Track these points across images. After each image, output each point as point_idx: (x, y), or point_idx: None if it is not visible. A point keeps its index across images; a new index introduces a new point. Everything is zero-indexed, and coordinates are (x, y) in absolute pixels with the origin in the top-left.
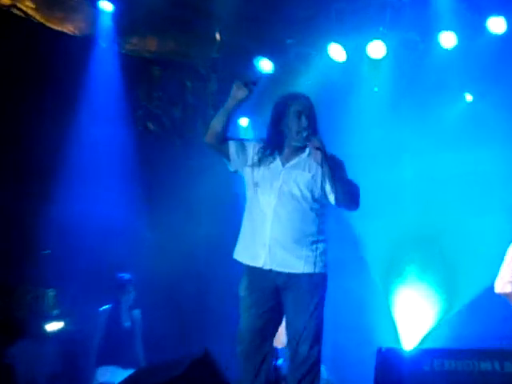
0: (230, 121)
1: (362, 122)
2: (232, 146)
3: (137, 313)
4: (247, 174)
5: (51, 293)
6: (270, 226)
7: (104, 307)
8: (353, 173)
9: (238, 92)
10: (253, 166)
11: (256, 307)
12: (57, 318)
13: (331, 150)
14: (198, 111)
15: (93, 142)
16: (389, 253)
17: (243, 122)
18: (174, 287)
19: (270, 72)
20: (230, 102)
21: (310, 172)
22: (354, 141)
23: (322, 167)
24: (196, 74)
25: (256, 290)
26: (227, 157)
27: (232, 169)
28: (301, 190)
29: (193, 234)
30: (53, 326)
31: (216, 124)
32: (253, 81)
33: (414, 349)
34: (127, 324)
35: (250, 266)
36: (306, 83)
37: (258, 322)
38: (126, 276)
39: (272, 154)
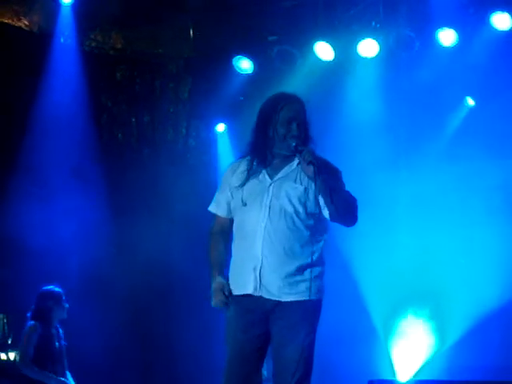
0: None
1: (352, 129)
2: (229, 210)
3: (61, 332)
4: (235, 198)
5: (3, 319)
6: (260, 248)
7: (31, 323)
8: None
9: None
10: (239, 187)
11: (244, 332)
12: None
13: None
14: (169, 116)
15: (51, 151)
16: (383, 279)
17: (219, 127)
18: (140, 312)
19: (249, 72)
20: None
21: (302, 184)
22: (343, 149)
23: (315, 182)
24: (167, 75)
25: (245, 312)
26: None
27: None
28: (293, 205)
29: (163, 250)
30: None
31: None
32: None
33: (409, 381)
34: (56, 343)
35: (239, 296)
36: (289, 85)
37: (246, 349)
38: (56, 288)
39: (258, 165)
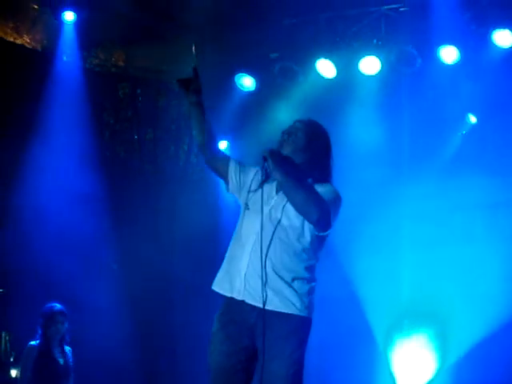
0: (203, 124)
1: (354, 147)
2: (231, 166)
3: (68, 350)
4: (242, 197)
5: (6, 336)
6: (248, 254)
7: (32, 342)
8: (344, 203)
9: (189, 101)
10: (249, 191)
11: (229, 344)
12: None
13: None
14: (171, 134)
15: (54, 169)
16: (385, 294)
17: (222, 144)
18: (141, 333)
19: (252, 89)
20: (188, 104)
21: None
22: (345, 167)
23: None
24: (169, 92)
25: (229, 323)
26: (225, 176)
27: (229, 190)
28: (289, 219)
29: (165, 266)
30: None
31: (195, 134)
32: (189, 77)
33: None
34: (61, 360)
35: (227, 297)
36: (291, 102)
37: (232, 361)
38: (56, 307)
39: (269, 178)
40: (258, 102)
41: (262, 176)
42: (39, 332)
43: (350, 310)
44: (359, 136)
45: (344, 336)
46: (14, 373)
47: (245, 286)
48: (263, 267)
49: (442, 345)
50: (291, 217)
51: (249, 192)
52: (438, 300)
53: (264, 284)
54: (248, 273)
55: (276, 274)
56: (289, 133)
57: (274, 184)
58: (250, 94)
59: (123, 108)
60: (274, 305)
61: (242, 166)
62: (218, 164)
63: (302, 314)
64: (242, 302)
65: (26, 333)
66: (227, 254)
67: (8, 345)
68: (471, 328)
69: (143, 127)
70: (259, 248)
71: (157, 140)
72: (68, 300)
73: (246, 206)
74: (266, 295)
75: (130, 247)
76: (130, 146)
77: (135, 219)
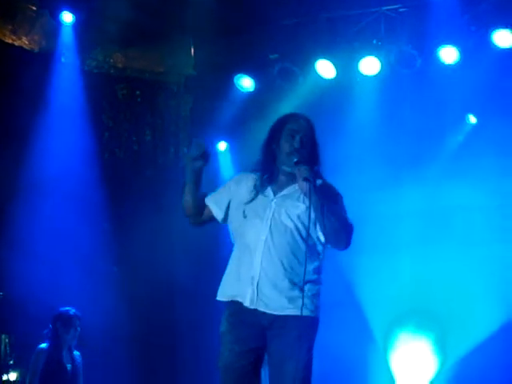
0: (198, 193)
1: (354, 147)
2: (212, 207)
3: (77, 355)
4: (237, 211)
5: (5, 339)
6: (259, 260)
7: (42, 345)
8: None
9: (193, 164)
10: (246, 202)
11: (240, 344)
12: (13, 368)
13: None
14: (170, 135)
15: (53, 171)
16: (384, 296)
17: (221, 146)
18: (141, 336)
19: (251, 90)
20: (189, 177)
21: (304, 203)
22: (345, 167)
23: (310, 199)
24: (168, 93)
25: (239, 324)
26: (213, 218)
27: (224, 222)
28: (293, 221)
29: (165, 272)
30: (10, 377)
31: (187, 203)
32: (205, 151)
33: None
34: (68, 365)
35: (234, 301)
36: (290, 103)
37: (242, 362)
38: (71, 311)
39: (264, 181)
40: (257, 103)
41: (258, 184)
42: (50, 335)
43: (349, 309)
44: (359, 137)
45: (344, 336)
46: (13, 376)
47: (257, 294)
48: (275, 274)
49: (442, 345)
50: (295, 219)
51: (246, 203)
52: (438, 300)
53: (277, 291)
54: (261, 281)
55: (289, 280)
56: (302, 135)
57: (270, 188)
58: (250, 94)
59: (122, 109)
60: (289, 310)
61: (220, 194)
62: (203, 218)
63: (313, 314)
64: (255, 309)
65: (26, 336)
66: (233, 264)
67: (8, 347)
68: (472, 329)
69: (142, 129)
70: (269, 255)
71: (156, 142)
72: (68, 303)
73: (244, 215)
74: (279, 302)
75: (129, 250)
76: (129, 148)
77: (135, 221)
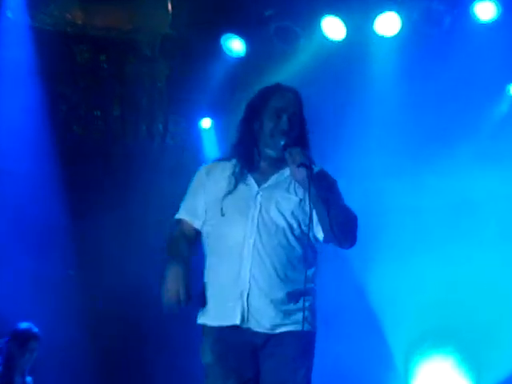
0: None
1: (366, 125)
2: (188, 218)
3: (29, 380)
4: (213, 207)
5: None
6: (248, 268)
7: None
8: (350, 196)
9: None
10: (219, 194)
11: (234, 378)
12: None
13: (321, 163)
14: (142, 109)
15: None
16: (404, 310)
17: (205, 123)
18: (104, 355)
19: (241, 55)
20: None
21: (296, 195)
22: (354, 150)
23: (309, 189)
24: (140, 57)
25: (228, 351)
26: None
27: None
28: (285, 219)
29: (135, 272)
30: None
31: None
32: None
33: None
34: None
35: (219, 326)
36: (289, 71)
37: None
38: (31, 330)
39: (243, 169)
40: (248, 70)
41: (237, 172)
42: (3, 355)
43: (365, 325)
44: (373, 112)
45: (358, 356)
46: None
47: (249, 310)
48: (268, 283)
49: (469, 368)
50: (288, 215)
51: (223, 198)
52: (464, 317)
53: (271, 304)
54: (252, 294)
55: (285, 290)
56: (290, 114)
57: (251, 177)
58: (240, 60)
59: (82, 77)
60: (284, 327)
61: (192, 197)
62: (194, 241)
63: (313, 329)
64: (247, 329)
65: None
66: (211, 276)
67: None
68: (503, 350)
69: (108, 101)
70: (260, 261)
71: (125, 117)
72: (12, 314)
73: (221, 213)
74: (275, 318)
75: (91, 248)
76: (92, 125)
77: (98, 214)
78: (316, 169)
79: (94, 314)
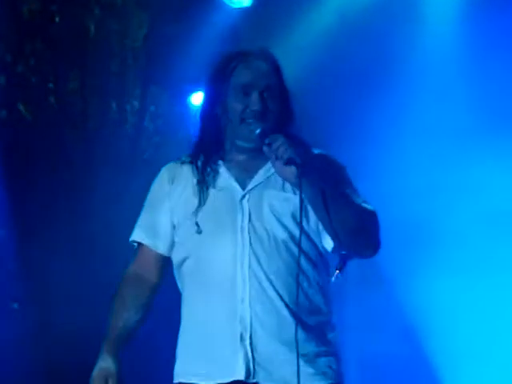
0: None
1: (404, 104)
2: (147, 241)
3: None
4: (184, 222)
5: None
6: (247, 303)
7: None
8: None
9: None
10: (197, 209)
11: None
12: None
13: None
14: (110, 80)
15: None
16: (460, 345)
17: (196, 98)
18: None
19: (247, 5)
20: None
21: (294, 193)
22: (385, 136)
23: (300, 193)
24: (107, 10)
25: None
26: (163, 257)
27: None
28: (285, 227)
29: (99, 305)
30: None
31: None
32: None
33: None
34: None
35: None
36: (304, 28)
37: None
38: None
39: (215, 167)
40: (255, 25)
41: (209, 172)
42: None
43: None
44: (413, 86)
45: None
46: None
47: (254, 358)
48: (276, 319)
49: None
50: (288, 223)
51: (196, 210)
52: None
53: (285, 348)
54: (256, 336)
55: (294, 324)
56: (262, 89)
57: (229, 177)
58: (243, 13)
59: (29, 36)
60: (310, 378)
61: (149, 213)
62: (158, 274)
63: (339, 379)
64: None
65: None
66: (193, 317)
67: None
68: None
69: (63, 69)
70: (260, 290)
71: (86, 90)
72: None
73: (197, 230)
74: (292, 366)
75: (39, 273)
76: (42, 102)
77: (48, 226)
78: (313, 155)
79: (42, 360)
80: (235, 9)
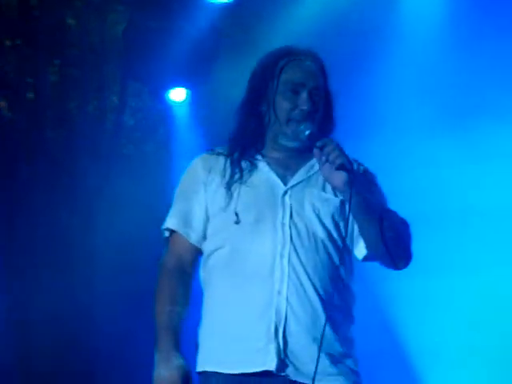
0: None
1: (400, 94)
2: (182, 231)
3: None
4: (222, 212)
5: None
6: (284, 295)
7: None
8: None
9: None
10: (226, 193)
11: None
12: None
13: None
14: (89, 75)
15: None
16: (453, 348)
17: (177, 94)
18: None
19: (228, 1)
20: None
21: (336, 195)
22: (385, 128)
23: (350, 199)
24: (86, 6)
25: None
26: (196, 248)
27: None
28: (325, 228)
29: (79, 312)
30: None
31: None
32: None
33: None
34: None
35: (241, 374)
36: (292, 24)
37: None
38: None
39: (255, 162)
40: (238, 21)
41: (249, 166)
42: None
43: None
44: (406, 77)
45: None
46: None
47: (286, 352)
48: (311, 315)
49: None
50: (328, 223)
51: (235, 200)
52: None
53: (317, 345)
54: (290, 330)
55: (332, 325)
56: (311, 87)
57: (270, 171)
58: (226, 8)
59: (5, 24)
60: (332, 379)
61: (184, 201)
62: (192, 264)
63: (358, 378)
64: (284, 378)
65: None
66: (223, 308)
67: None
68: None
69: (41, 63)
70: (298, 284)
71: (66, 82)
72: None
73: (236, 219)
74: (321, 363)
75: (19, 264)
76: (20, 98)
77: (30, 217)
78: (356, 167)
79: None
80: (216, 4)
